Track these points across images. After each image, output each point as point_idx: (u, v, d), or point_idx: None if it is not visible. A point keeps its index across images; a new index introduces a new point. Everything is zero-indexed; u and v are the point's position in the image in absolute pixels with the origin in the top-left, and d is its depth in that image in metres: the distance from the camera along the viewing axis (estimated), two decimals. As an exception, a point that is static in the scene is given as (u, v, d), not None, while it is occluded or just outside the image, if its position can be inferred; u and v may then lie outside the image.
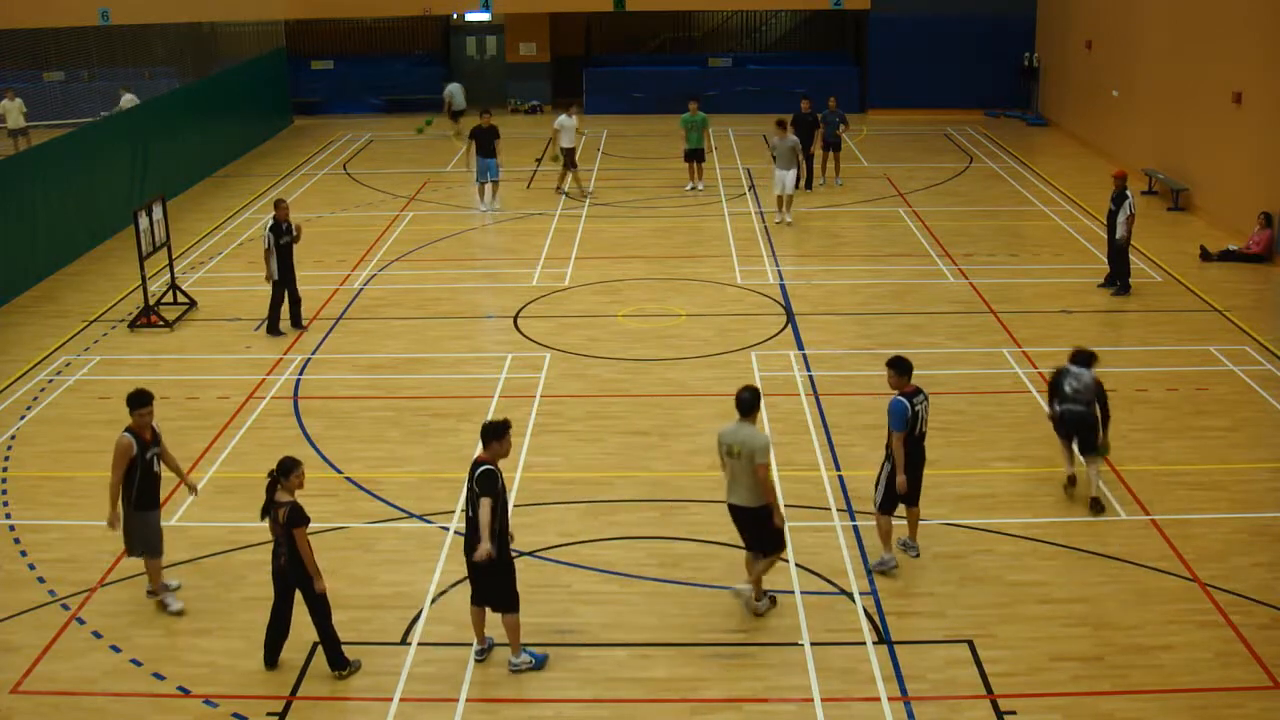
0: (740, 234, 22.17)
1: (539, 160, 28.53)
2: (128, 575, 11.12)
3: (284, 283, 17.19)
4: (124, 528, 10.50)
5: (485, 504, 9.32)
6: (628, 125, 30.94)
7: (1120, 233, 18.20)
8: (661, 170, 25.73)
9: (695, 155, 25.01)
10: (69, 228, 21.09)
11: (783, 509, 10.58)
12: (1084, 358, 12.32)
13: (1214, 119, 22.19)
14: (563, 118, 24.59)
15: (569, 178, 25.13)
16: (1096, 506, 12.07)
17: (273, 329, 17.27)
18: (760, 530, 10.24)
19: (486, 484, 9.37)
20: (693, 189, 25.19)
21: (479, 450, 9.64)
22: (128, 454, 10.26)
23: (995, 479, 12.88)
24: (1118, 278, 18.54)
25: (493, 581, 9.54)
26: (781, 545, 10.48)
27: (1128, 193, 18.15)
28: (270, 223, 17.09)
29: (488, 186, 23.98)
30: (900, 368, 10.83)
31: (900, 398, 10.71)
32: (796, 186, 23.10)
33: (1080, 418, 12.14)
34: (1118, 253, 18.45)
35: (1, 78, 28.68)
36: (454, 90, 31.26)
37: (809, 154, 24.83)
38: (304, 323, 17.59)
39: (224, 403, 15.03)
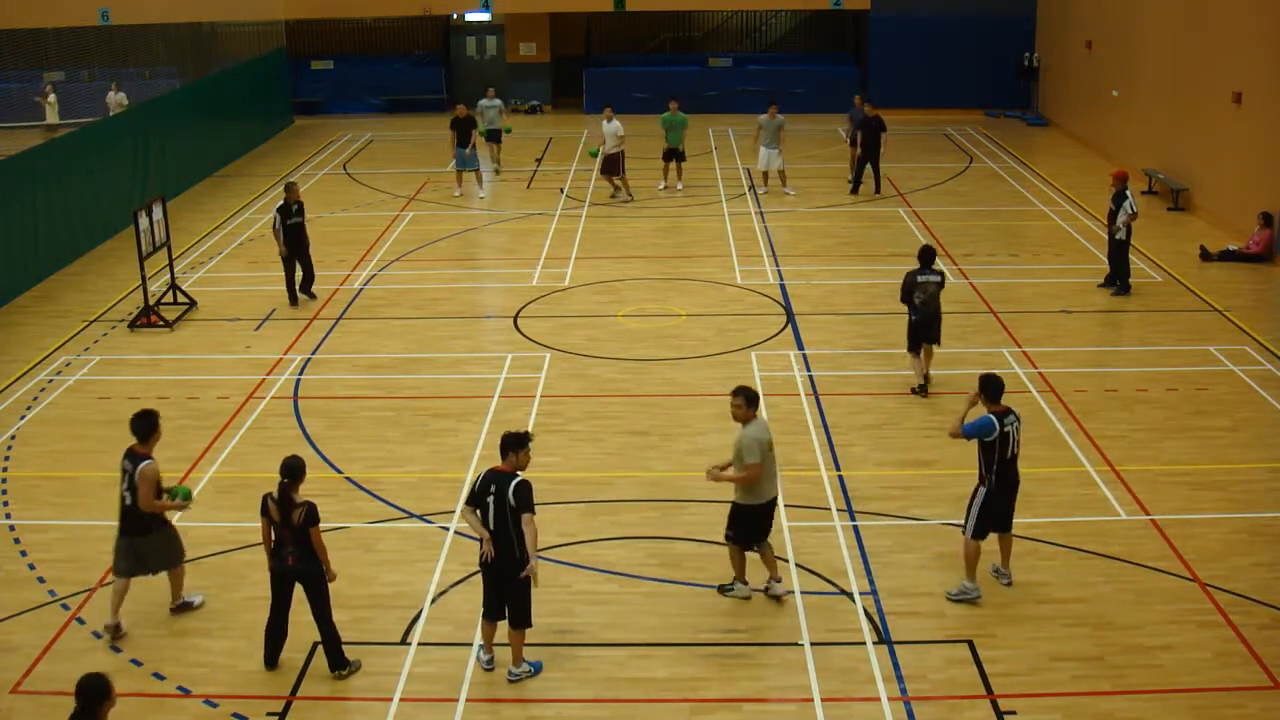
0: (740, 234, 22.17)
1: (539, 160, 28.54)
2: (128, 575, 11.12)
3: (294, 256, 18.40)
4: (167, 542, 10.46)
5: (531, 520, 9.23)
6: (628, 125, 30.67)
7: (1120, 233, 18.21)
8: (662, 170, 25.69)
9: (674, 155, 25.02)
10: (69, 228, 21.08)
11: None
12: (930, 258, 14.65)
13: (1214, 119, 22.19)
14: (604, 123, 24.25)
15: (615, 183, 24.68)
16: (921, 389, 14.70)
17: (292, 300, 18.56)
18: None
19: (528, 498, 9.25)
20: (665, 188, 25.25)
21: (500, 462, 9.44)
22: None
23: (995, 479, 12.86)
24: (1118, 277, 18.55)
25: (519, 597, 9.49)
26: None
27: (1128, 192, 18.15)
28: (280, 204, 18.24)
29: (468, 175, 25.20)
30: (988, 389, 10.45)
31: (990, 415, 10.34)
32: (854, 192, 24.88)
33: (934, 317, 14.72)
34: (1118, 252, 18.45)
35: (3, 78, 28.74)
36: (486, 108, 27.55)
37: (875, 159, 24.64)
38: (312, 291, 18.90)
39: (224, 403, 15.03)
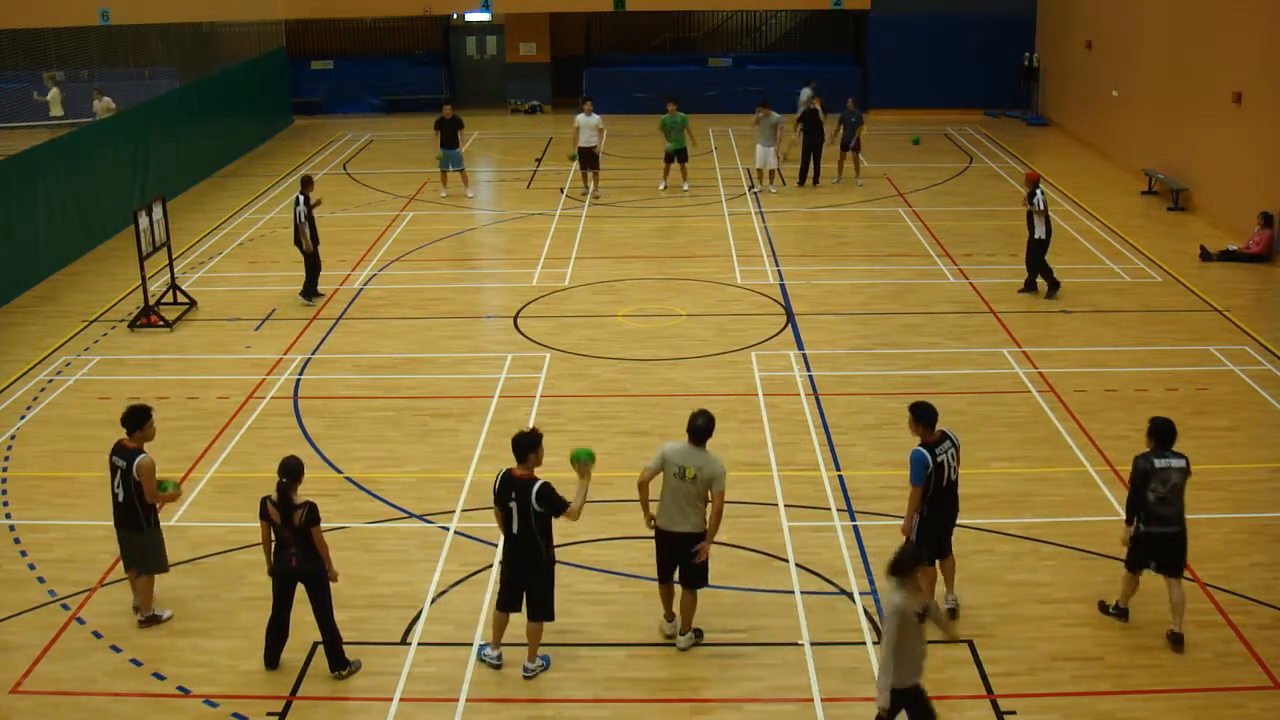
0: (740, 234, 22.17)
1: (538, 160, 28.54)
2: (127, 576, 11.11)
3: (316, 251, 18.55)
4: (154, 545, 10.39)
5: (575, 511, 9.29)
6: (628, 125, 30.90)
7: (1038, 231, 17.97)
8: (661, 170, 25.69)
9: (678, 155, 25.03)
10: (69, 228, 21.09)
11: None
12: (1169, 435, 9.94)
13: (1214, 119, 22.19)
14: (580, 116, 24.50)
15: (590, 179, 24.89)
16: (1177, 642, 9.96)
17: (312, 293, 18.64)
18: (695, 562, 9.74)
19: (555, 499, 9.27)
20: (665, 188, 25.28)
21: (515, 465, 9.43)
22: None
23: (995, 479, 12.87)
24: (1032, 278, 18.37)
25: (542, 592, 9.56)
26: (706, 580, 9.92)
27: (1038, 191, 17.84)
28: (304, 197, 18.22)
29: (453, 175, 25.33)
30: (920, 415, 9.81)
31: (921, 449, 9.76)
32: (801, 184, 25.49)
33: (1172, 538, 9.92)
34: (1034, 252, 18.20)
35: (11, 78, 28.71)
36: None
37: (818, 150, 25.23)
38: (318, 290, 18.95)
39: (224, 403, 15.03)
